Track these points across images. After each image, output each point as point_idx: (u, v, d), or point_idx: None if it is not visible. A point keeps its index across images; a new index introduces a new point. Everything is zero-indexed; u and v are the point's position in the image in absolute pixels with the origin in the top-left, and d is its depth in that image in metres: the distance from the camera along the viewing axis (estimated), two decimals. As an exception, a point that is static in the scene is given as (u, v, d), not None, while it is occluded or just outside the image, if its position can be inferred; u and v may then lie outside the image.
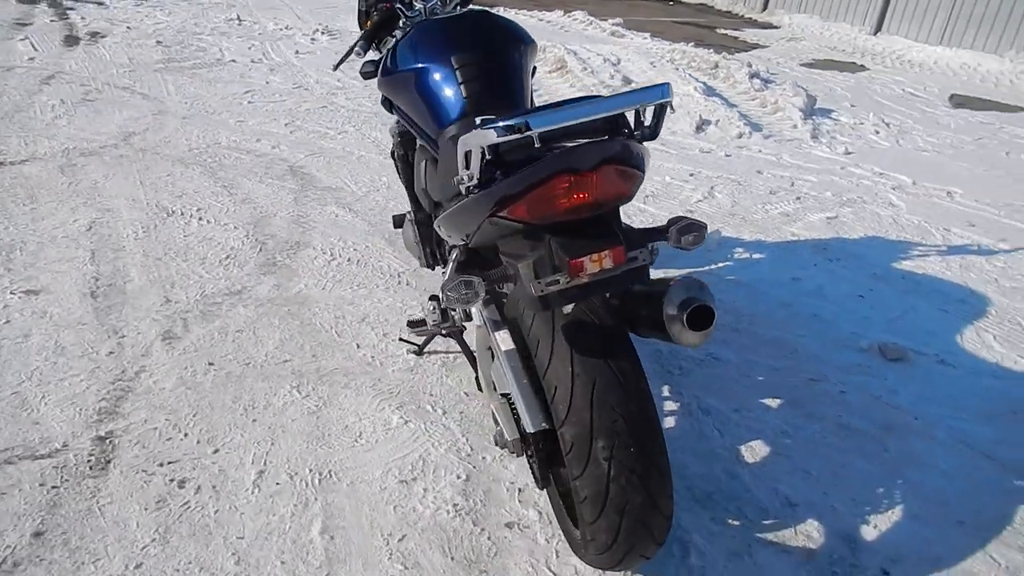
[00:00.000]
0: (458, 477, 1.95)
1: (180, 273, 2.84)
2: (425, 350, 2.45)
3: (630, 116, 1.43)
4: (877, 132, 5.39)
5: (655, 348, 2.49)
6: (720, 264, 3.22)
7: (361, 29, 2.37)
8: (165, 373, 2.27)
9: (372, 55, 2.33)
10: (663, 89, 1.33)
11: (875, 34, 9.63)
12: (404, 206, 3.39)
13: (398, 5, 2.24)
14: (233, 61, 6.04)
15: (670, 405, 2.27)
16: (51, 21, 6.87)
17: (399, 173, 2.58)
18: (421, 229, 2.39)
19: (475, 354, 1.96)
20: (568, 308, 1.47)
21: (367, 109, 5.08)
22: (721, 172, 4.36)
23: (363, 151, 4.30)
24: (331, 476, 1.93)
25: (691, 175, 4.28)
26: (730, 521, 1.86)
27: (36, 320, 2.48)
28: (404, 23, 2.24)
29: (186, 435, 2.03)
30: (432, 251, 2.41)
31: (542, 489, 1.81)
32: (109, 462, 1.92)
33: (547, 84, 6.07)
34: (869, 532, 1.85)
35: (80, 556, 1.65)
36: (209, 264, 2.92)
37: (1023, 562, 1.78)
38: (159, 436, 2.02)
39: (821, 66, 7.85)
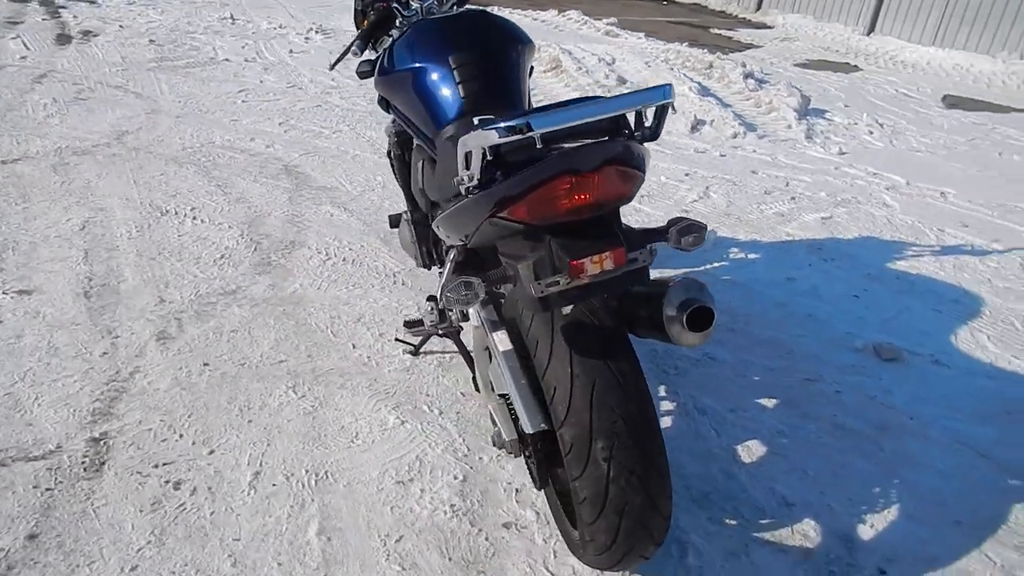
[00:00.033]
0: (455, 478, 1.94)
1: (174, 273, 2.82)
2: (421, 350, 2.45)
3: (630, 116, 1.43)
4: (871, 132, 5.41)
5: (651, 348, 2.49)
6: (716, 264, 3.23)
7: (358, 28, 2.36)
8: (159, 374, 2.26)
9: (368, 54, 2.33)
10: (665, 90, 1.33)
11: (868, 34, 9.66)
12: (399, 205, 3.39)
13: (395, 4, 2.24)
14: (227, 60, 6.02)
15: (666, 405, 2.28)
16: (43, 20, 6.83)
17: (395, 173, 2.57)
18: (418, 229, 2.39)
19: (472, 354, 1.96)
20: (567, 309, 1.47)
21: (362, 108, 5.06)
22: (716, 172, 4.37)
23: (358, 150, 4.29)
24: (328, 477, 1.92)
25: (686, 175, 4.28)
26: (727, 521, 1.86)
27: (29, 320, 2.46)
28: (401, 23, 2.23)
29: (181, 436, 2.02)
30: (428, 251, 2.41)
31: (540, 490, 1.82)
32: (104, 464, 1.91)
33: (542, 84, 6.07)
34: (866, 531, 1.85)
35: (75, 559, 1.64)
36: (203, 264, 2.91)
37: (1019, 561, 1.79)
38: (154, 437, 2.01)
39: (815, 66, 7.87)
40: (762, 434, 2.17)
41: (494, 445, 1.85)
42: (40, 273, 2.74)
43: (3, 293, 2.59)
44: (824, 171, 4.54)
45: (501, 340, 1.67)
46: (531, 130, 1.25)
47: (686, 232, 1.43)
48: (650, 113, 1.40)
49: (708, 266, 3.20)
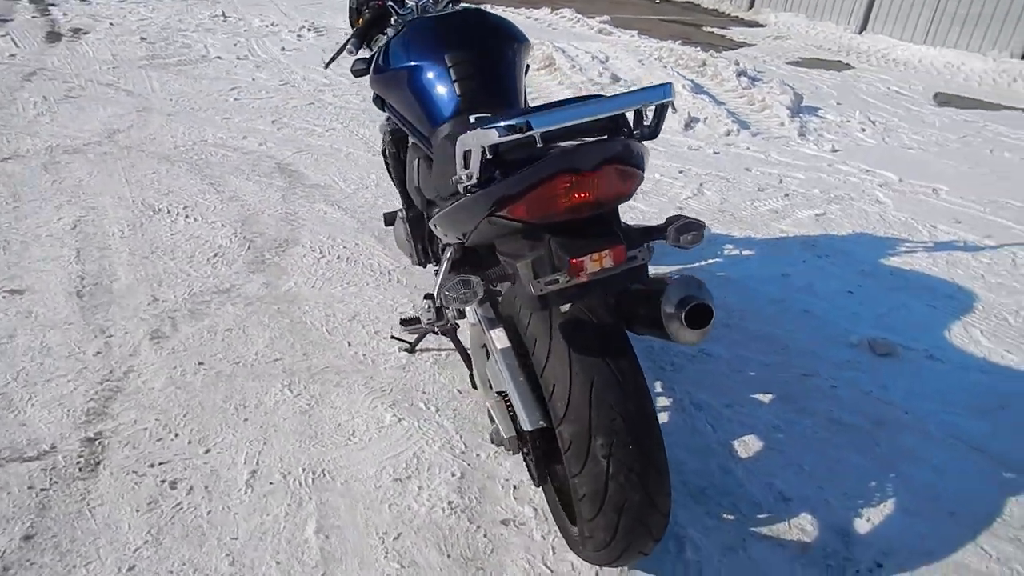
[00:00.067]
0: (452, 475, 1.94)
1: (167, 271, 2.81)
2: (417, 348, 2.44)
3: (629, 115, 1.43)
4: (863, 130, 5.43)
5: (647, 344, 2.49)
6: (710, 260, 3.23)
7: (352, 27, 2.35)
8: (154, 373, 2.25)
9: (363, 52, 2.32)
10: (665, 89, 1.33)
11: (860, 33, 9.70)
12: (393, 203, 3.38)
13: (390, 3, 2.23)
14: (218, 58, 5.99)
15: (663, 401, 2.28)
16: (32, 17, 6.77)
17: (389, 171, 2.56)
18: (413, 227, 2.38)
19: (469, 352, 1.95)
20: (565, 307, 1.47)
21: (355, 106, 5.05)
22: (710, 169, 4.37)
23: (351, 148, 4.27)
24: (325, 475, 1.91)
25: (680, 172, 4.29)
26: (725, 516, 1.86)
27: (21, 320, 2.45)
28: (396, 21, 2.22)
29: (177, 435, 2.01)
30: (424, 249, 2.40)
31: (538, 486, 1.82)
32: (99, 463, 1.90)
33: (536, 82, 6.06)
34: (862, 525, 1.86)
35: (71, 559, 1.63)
36: (197, 262, 2.89)
37: (1013, 553, 1.80)
38: (149, 437, 2.00)
39: (807, 64, 7.89)
40: (758, 429, 2.18)
41: (492, 442, 1.85)
42: (32, 272, 2.72)
43: (-5, 292, 2.58)
44: (817, 168, 4.55)
45: (499, 338, 1.67)
46: (531, 129, 1.24)
47: (685, 230, 1.43)
48: (650, 112, 1.40)
49: (703, 263, 3.21)
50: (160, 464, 1.91)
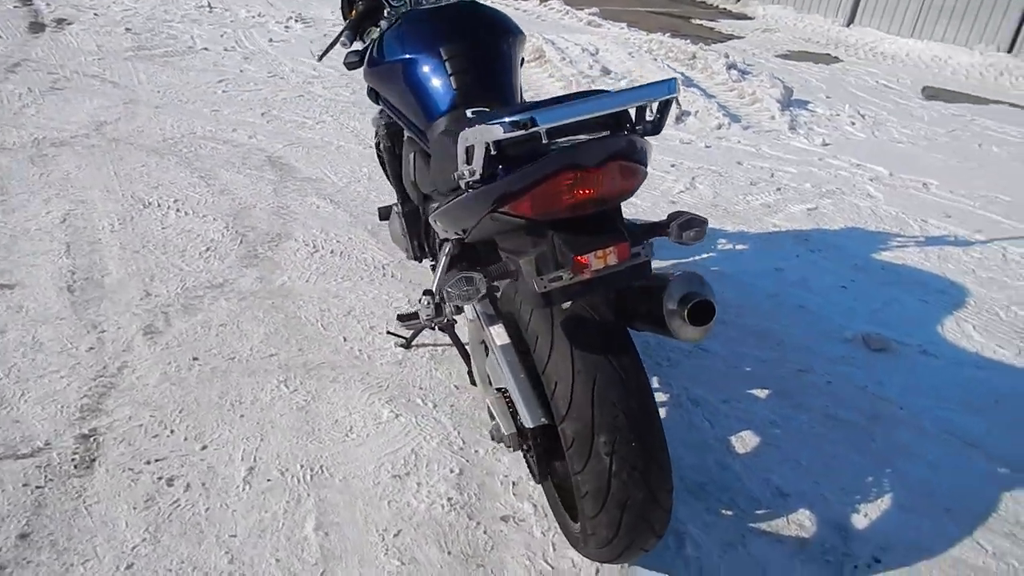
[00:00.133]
0: (451, 471, 1.94)
1: (159, 266, 2.78)
2: (413, 343, 2.43)
3: (632, 110, 1.42)
4: (853, 124, 5.45)
5: (643, 340, 2.49)
6: (704, 255, 3.24)
7: (345, 19, 2.32)
8: (148, 368, 2.23)
9: (356, 45, 2.29)
10: (670, 84, 1.32)
11: (848, 26, 9.72)
12: (385, 197, 3.36)
13: (383, -6, 2.20)
14: (205, 49, 5.92)
15: (660, 396, 2.28)
16: (14, 7, 6.67)
17: (383, 165, 2.54)
18: (409, 221, 2.36)
19: (468, 348, 1.94)
20: (567, 304, 1.46)
21: (344, 98, 5.01)
22: (702, 163, 4.38)
23: (342, 141, 4.24)
24: (323, 471, 1.90)
25: (672, 166, 4.29)
26: (723, 512, 1.87)
27: (12, 315, 2.41)
28: (389, 13, 2.20)
29: (172, 432, 2.00)
30: (420, 243, 2.39)
31: (539, 483, 1.81)
32: (94, 460, 1.88)
33: (527, 74, 6.03)
34: (860, 521, 1.87)
35: (68, 557, 1.61)
36: (189, 257, 2.87)
37: (1009, 547, 1.82)
38: (145, 433, 1.98)
39: (796, 57, 7.91)
40: (755, 425, 2.19)
41: (492, 439, 1.84)
42: (21, 267, 2.69)
43: (-16, 287, 2.54)
44: (808, 162, 4.57)
45: (499, 334, 1.66)
46: (536, 125, 1.23)
47: (687, 227, 1.43)
48: (653, 107, 1.39)
49: (697, 257, 3.21)
50: (156, 461, 1.89)
